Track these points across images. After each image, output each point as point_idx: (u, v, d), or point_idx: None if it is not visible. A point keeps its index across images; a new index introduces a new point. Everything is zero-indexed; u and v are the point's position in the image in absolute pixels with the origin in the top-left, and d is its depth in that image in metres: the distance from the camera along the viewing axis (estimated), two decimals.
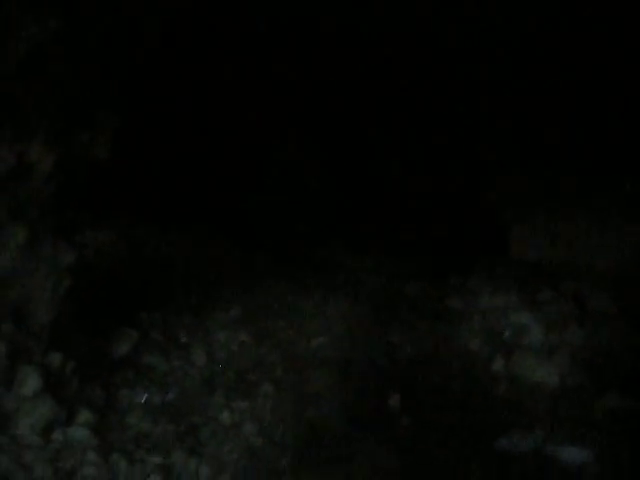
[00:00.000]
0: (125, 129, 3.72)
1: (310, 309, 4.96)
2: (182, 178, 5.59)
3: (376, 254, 5.84)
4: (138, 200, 5.47)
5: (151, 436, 3.65)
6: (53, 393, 3.55)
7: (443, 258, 5.66)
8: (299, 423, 3.85)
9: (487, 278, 5.35)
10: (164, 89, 5.16)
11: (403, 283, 5.38)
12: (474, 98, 5.53)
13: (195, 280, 5.18)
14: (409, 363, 4.45)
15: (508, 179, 5.64)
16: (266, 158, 5.99)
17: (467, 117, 5.67)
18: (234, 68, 5.51)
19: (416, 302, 5.15)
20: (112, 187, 4.70)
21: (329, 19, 5.17)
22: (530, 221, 5.57)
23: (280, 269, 5.46)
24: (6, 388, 3.40)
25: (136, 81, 3.75)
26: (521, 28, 4.82)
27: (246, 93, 5.65)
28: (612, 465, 3.55)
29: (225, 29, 5.17)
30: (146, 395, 3.98)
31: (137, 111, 3.99)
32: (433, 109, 5.80)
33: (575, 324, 4.78)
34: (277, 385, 4.15)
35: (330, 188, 6.18)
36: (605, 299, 5.02)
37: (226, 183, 5.77)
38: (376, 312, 4.97)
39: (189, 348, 4.44)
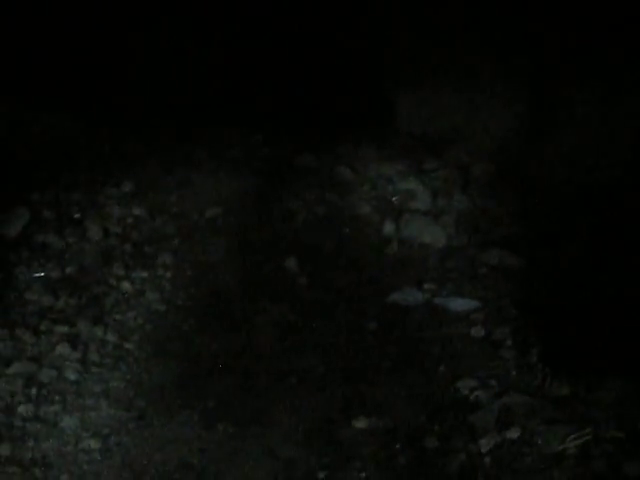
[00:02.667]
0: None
1: (202, 182, 4.97)
2: (71, 59, 5.39)
3: (265, 128, 5.84)
4: (25, 82, 5.26)
5: (53, 309, 3.69)
6: None
7: (331, 129, 5.71)
8: (200, 289, 3.95)
9: (375, 148, 5.47)
10: None
11: (293, 155, 5.43)
12: None
13: (83, 158, 5.09)
14: (303, 229, 4.56)
15: (395, 51, 5.69)
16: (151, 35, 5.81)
17: None
18: None
19: (307, 172, 5.23)
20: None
21: None
22: (416, 93, 5.67)
23: (169, 144, 5.40)
24: None
25: None
26: None
27: None
28: (495, 312, 3.84)
29: None
30: (43, 272, 3.98)
31: None
32: None
33: (459, 190, 5.01)
34: (175, 255, 4.22)
35: (220, 63, 6.07)
36: (485, 167, 5.24)
37: (112, 66, 5.60)
38: (268, 183, 5.03)
39: (83, 224, 4.41)
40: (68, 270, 4.01)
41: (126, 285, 3.89)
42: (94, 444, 2.93)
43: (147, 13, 5.74)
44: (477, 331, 3.70)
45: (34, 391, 3.10)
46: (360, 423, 3.10)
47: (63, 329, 3.49)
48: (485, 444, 2.94)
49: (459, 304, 3.89)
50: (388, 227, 4.60)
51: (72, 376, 3.21)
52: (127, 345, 3.46)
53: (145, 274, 4.00)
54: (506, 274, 4.19)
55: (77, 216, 4.49)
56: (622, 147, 4.78)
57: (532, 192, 4.87)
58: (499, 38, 5.29)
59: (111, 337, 3.49)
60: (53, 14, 5.45)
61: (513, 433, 2.96)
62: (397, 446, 2.99)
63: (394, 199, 4.91)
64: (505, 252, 4.34)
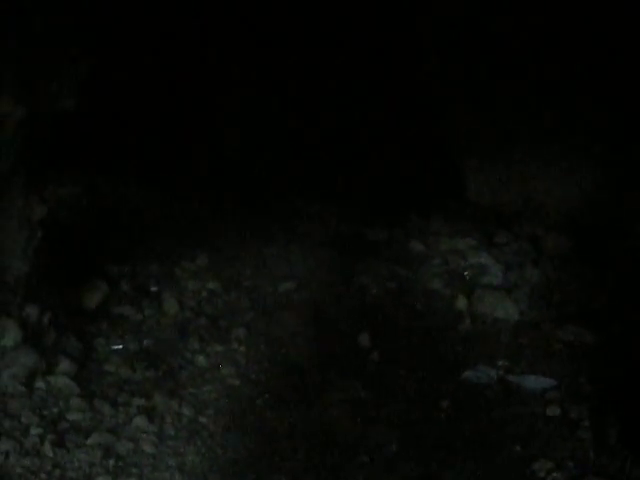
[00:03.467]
0: (92, 81, 3.75)
1: (274, 256, 5.06)
2: (147, 131, 5.61)
3: (334, 200, 5.92)
4: (102, 154, 5.48)
5: (131, 382, 3.76)
6: (33, 344, 3.64)
7: (402, 202, 5.77)
8: (273, 364, 3.99)
9: (445, 221, 5.50)
10: (132, 42, 5.17)
11: (364, 228, 5.49)
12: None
13: (161, 231, 5.24)
14: (375, 304, 4.59)
15: (465, 120, 5.75)
16: (225, 110, 6.01)
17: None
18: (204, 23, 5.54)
19: (378, 246, 5.28)
20: (76, 141, 4.73)
21: None
22: (486, 163, 5.71)
23: (243, 217, 5.52)
24: None
25: (105, 33, 3.77)
26: None
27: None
28: (571, 390, 3.78)
29: None
30: (122, 344, 4.08)
31: (105, 63, 4.01)
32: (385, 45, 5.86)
33: (531, 264, 4.98)
34: (249, 329, 4.27)
35: (287, 135, 6.22)
36: (558, 240, 5.22)
37: (188, 136, 5.80)
38: (339, 256, 5.09)
39: (159, 297, 4.52)
40: (145, 343, 4.10)
41: (201, 359, 3.95)
42: None
43: (223, 81, 5.93)
44: (553, 410, 3.64)
45: (112, 462, 3.15)
46: None
47: (140, 402, 3.56)
48: None
49: (534, 382, 3.85)
50: (460, 302, 4.60)
51: (149, 449, 3.26)
52: (202, 419, 3.50)
53: (220, 348, 4.06)
54: (582, 351, 4.15)
55: (154, 289, 4.60)
56: None
57: (607, 265, 4.82)
58: (576, 109, 5.31)
59: (186, 411, 3.53)
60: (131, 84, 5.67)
61: None
62: None
63: (466, 273, 4.92)
64: (580, 328, 4.30)
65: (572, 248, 5.11)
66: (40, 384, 3.53)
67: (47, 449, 3.14)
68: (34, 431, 3.24)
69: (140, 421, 3.41)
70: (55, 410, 3.42)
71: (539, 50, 5.31)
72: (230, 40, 5.77)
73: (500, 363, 4.03)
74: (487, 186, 5.72)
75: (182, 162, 5.72)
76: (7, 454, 3.09)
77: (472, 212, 5.62)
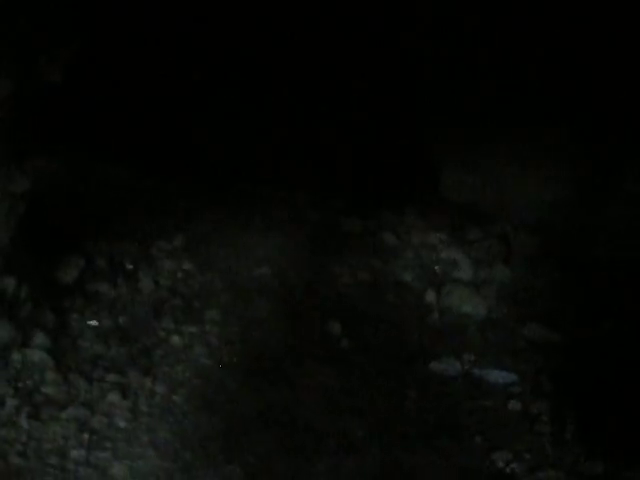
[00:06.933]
0: (80, 59, 3.77)
1: (250, 240, 5.11)
2: (131, 111, 5.63)
3: (311, 190, 5.98)
4: (85, 130, 5.49)
5: (105, 358, 3.82)
6: (9, 316, 3.68)
7: (377, 194, 5.84)
8: (245, 347, 4.08)
9: (420, 215, 5.60)
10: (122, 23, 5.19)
11: (339, 217, 5.56)
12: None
13: (139, 211, 5.27)
14: (347, 293, 4.68)
15: (443, 120, 5.83)
16: (211, 97, 6.04)
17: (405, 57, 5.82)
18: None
19: (352, 236, 5.36)
20: (61, 116, 4.73)
21: None
22: (463, 162, 5.80)
23: (219, 202, 5.57)
24: None
25: (96, 13, 3.80)
26: None
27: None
28: (532, 386, 3.92)
29: None
30: (96, 320, 4.13)
31: (94, 41, 4.03)
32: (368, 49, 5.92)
33: (501, 262, 5.10)
34: (223, 311, 4.34)
35: (265, 124, 6.26)
36: (528, 239, 5.34)
37: (171, 120, 5.82)
38: (314, 245, 5.16)
39: (135, 275, 4.56)
40: (120, 320, 4.15)
41: (175, 339, 4.02)
42: None
43: (204, 79, 5.96)
44: (514, 404, 3.77)
45: (86, 436, 3.22)
46: None
47: (114, 378, 3.63)
48: None
49: (497, 376, 3.98)
50: (430, 296, 4.71)
51: (122, 424, 3.34)
52: (175, 397, 3.58)
53: (194, 329, 4.13)
54: (545, 348, 4.28)
55: (130, 267, 4.64)
56: None
57: (574, 267, 4.95)
58: (549, 111, 5.41)
59: (159, 388, 3.61)
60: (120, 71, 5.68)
61: None
62: None
63: (436, 268, 5.02)
64: (544, 326, 4.43)
65: (541, 248, 5.23)
66: (16, 356, 3.58)
67: (23, 421, 3.21)
68: (10, 402, 3.30)
69: (114, 397, 3.49)
70: (30, 383, 3.48)
71: (512, 52, 5.39)
72: (217, 29, 5.80)
73: (466, 357, 4.15)
74: (461, 184, 5.81)
75: (164, 144, 5.74)
76: None
77: (446, 208, 5.71)
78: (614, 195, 5.24)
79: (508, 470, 3.30)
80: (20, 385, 3.44)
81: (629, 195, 5.15)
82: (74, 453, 3.13)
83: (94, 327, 4.06)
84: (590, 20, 5.02)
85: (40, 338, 3.74)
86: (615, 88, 5.02)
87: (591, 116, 5.22)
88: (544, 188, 5.57)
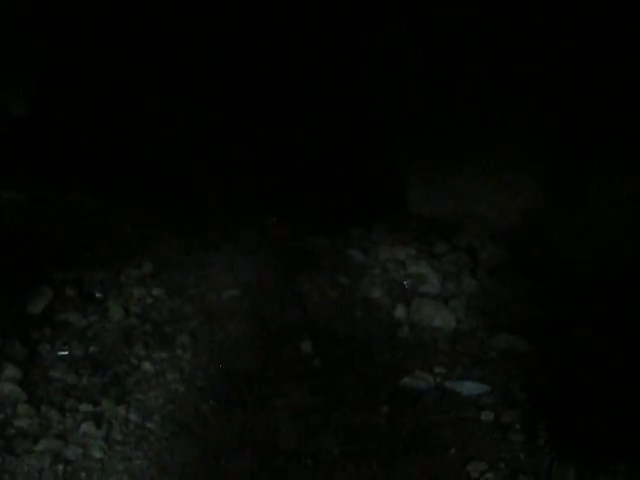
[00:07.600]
0: (43, 91, 3.79)
1: (219, 264, 5.12)
2: (95, 140, 5.63)
3: (278, 210, 6.01)
4: (49, 161, 5.49)
5: (77, 388, 3.81)
6: None
7: (343, 211, 5.88)
8: (218, 371, 4.08)
9: (387, 231, 5.65)
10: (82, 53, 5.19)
11: (306, 236, 5.58)
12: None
13: (106, 238, 5.26)
14: (317, 312, 4.70)
15: (408, 135, 5.89)
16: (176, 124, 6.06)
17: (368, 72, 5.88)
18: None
19: (320, 254, 5.39)
20: (24, 148, 4.74)
21: None
22: (428, 177, 5.86)
23: (186, 227, 5.58)
24: None
25: (56, 44, 3.81)
26: None
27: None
28: (504, 396, 3.96)
29: None
30: (67, 350, 4.11)
31: (55, 73, 4.04)
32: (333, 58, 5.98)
33: (468, 274, 5.16)
34: (193, 336, 4.35)
35: (229, 144, 6.28)
36: (495, 251, 5.40)
37: (136, 148, 5.84)
38: (282, 265, 5.18)
39: (105, 303, 4.55)
40: (91, 349, 4.14)
41: (147, 365, 4.02)
42: None
43: (174, 93, 5.98)
44: (486, 415, 3.81)
45: (61, 468, 3.21)
46: None
47: (87, 407, 3.62)
48: None
49: (469, 388, 4.01)
50: (399, 311, 4.74)
51: (97, 454, 3.33)
52: (149, 424, 3.58)
53: (165, 355, 4.13)
54: (515, 358, 4.32)
55: (99, 295, 4.63)
56: (632, 229, 4.92)
57: (542, 276, 5.02)
58: (512, 123, 5.49)
59: (133, 416, 3.60)
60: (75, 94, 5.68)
61: None
62: None
63: (405, 283, 5.06)
64: (514, 336, 4.48)
65: (508, 259, 5.29)
66: None
67: None
68: None
69: (88, 427, 3.48)
70: (2, 416, 3.47)
71: (476, 65, 5.48)
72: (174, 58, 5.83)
73: (437, 370, 4.19)
74: (428, 198, 5.87)
75: (129, 172, 5.75)
76: None
77: (413, 223, 5.77)
78: (576, 204, 5.31)
79: None
80: None
81: (592, 207, 5.23)
82: None
83: (65, 357, 4.05)
84: (551, 37, 5.11)
85: (10, 370, 3.72)
86: (581, 103, 5.11)
87: (557, 130, 5.30)
88: (510, 200, 5.64)
